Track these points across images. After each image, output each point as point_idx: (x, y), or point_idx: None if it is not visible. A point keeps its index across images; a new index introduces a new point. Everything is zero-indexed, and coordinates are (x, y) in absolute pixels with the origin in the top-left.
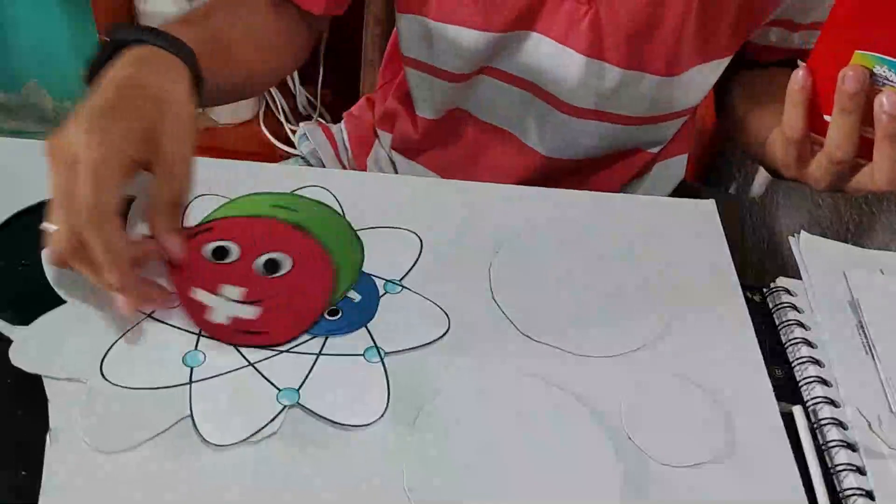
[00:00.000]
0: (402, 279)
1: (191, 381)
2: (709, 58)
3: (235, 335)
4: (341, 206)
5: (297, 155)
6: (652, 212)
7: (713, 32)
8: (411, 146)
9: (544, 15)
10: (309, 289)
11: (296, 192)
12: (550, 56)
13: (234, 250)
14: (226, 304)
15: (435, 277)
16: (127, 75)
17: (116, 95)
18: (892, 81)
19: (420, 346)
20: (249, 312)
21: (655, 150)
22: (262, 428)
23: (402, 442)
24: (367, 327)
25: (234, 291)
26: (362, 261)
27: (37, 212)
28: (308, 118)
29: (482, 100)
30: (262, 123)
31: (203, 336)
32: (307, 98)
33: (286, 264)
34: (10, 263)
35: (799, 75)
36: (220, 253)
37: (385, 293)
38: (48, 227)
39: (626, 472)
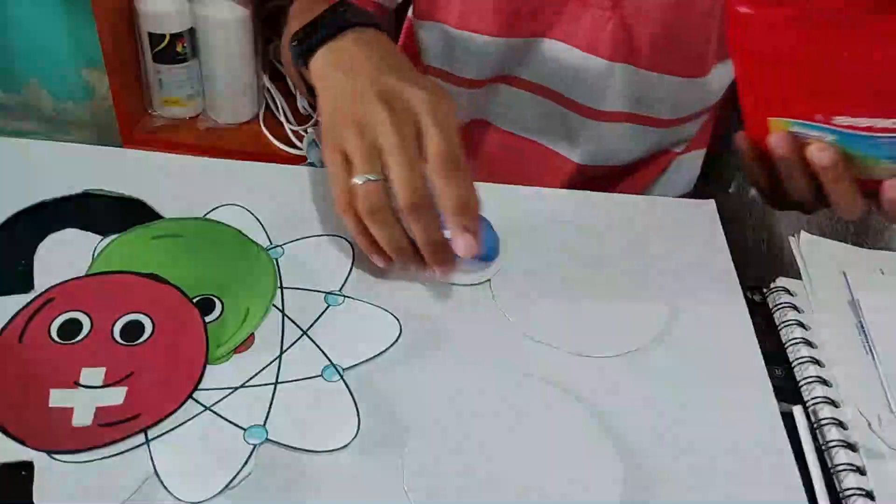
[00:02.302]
0: (341, 289)
1: (147, 440)
2: (728, 55)
3: (101, 434)
4: (262, 224)
5: (307, 161)
6: (652, 212)
7: None
8: None
9: (566, 22)
10: (179, 350)
11: (207, 216)
12: (574, 63)
13: (86, 321)
14: (89, 396)
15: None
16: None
17: (408, 66)
18: (810, 137)
19: (376, 355)
20: (115, 397)
21: (680, 149)
22: (238, 472)
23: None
24: (318, 345)
25: (97, 375)
26: (275, 286)
27: (37, 212)
28: (308, 118)
29: (504, 109)
30: (262, 123)
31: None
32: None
33: (148, 327)
34: (9, 264)
35: (739, 143)
36: (70, 328)
37: (328, 306)
38: (357, 180)
39: (626, 472)
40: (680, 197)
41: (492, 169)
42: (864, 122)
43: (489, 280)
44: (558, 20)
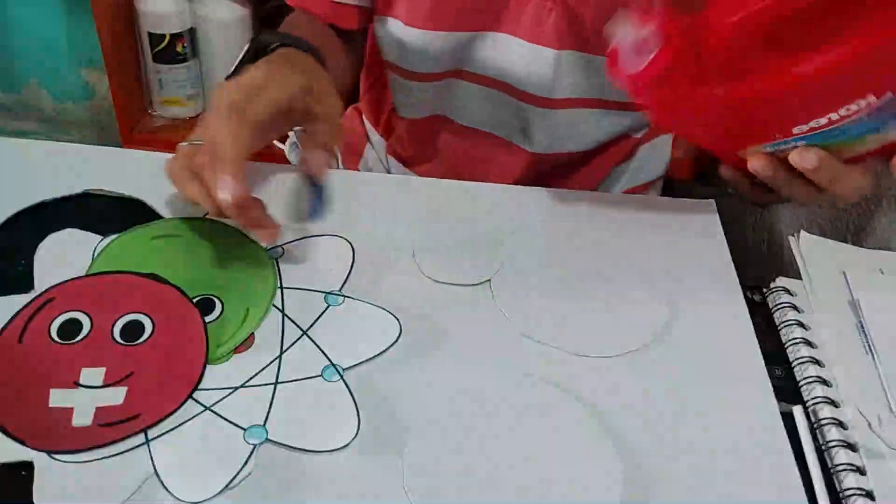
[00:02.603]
0: (341, 289)
1: (147, 440)
2: None
3: (101, 434)
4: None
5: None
6: (652, 212)
7: None
8: (406, 153)
9: (511, 16)
10: (179, 350)
11: (207, 216)
12: (523, 55)
13: (86, 321)
14: (89, 396)
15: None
16: (280, 53)
17: (277, 60)
18: (785, 150)
19: (376, 355)
20: (115, 397)
21: (640, 134)
22: (238, 472)
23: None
24: (318, 345)
25: (97, 375)
26: (275, 286)
27: (37, 212)
28: None
29: (459, 104)
30: None
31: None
32: None
33: (148, 327)
34: (9, 264)
35: (726, 175)
36: (70, 328)
37: (328, 306)
38: (183, 144)
39: (626, 472)
40: (651, 183)
41: (451, 163)
42: (822, 120)
43: (489, 280)
44: (503, 14)
